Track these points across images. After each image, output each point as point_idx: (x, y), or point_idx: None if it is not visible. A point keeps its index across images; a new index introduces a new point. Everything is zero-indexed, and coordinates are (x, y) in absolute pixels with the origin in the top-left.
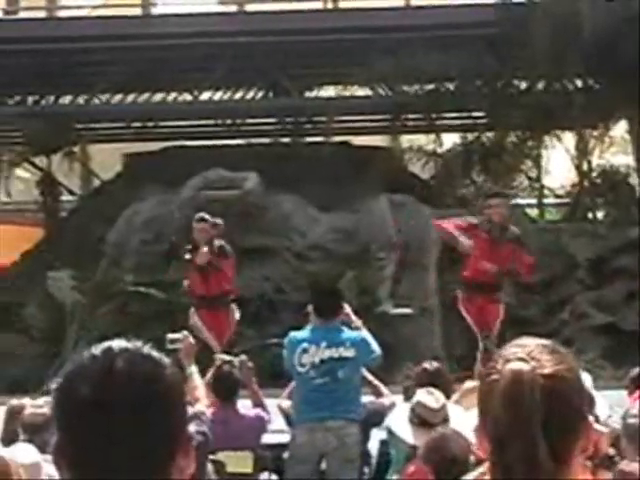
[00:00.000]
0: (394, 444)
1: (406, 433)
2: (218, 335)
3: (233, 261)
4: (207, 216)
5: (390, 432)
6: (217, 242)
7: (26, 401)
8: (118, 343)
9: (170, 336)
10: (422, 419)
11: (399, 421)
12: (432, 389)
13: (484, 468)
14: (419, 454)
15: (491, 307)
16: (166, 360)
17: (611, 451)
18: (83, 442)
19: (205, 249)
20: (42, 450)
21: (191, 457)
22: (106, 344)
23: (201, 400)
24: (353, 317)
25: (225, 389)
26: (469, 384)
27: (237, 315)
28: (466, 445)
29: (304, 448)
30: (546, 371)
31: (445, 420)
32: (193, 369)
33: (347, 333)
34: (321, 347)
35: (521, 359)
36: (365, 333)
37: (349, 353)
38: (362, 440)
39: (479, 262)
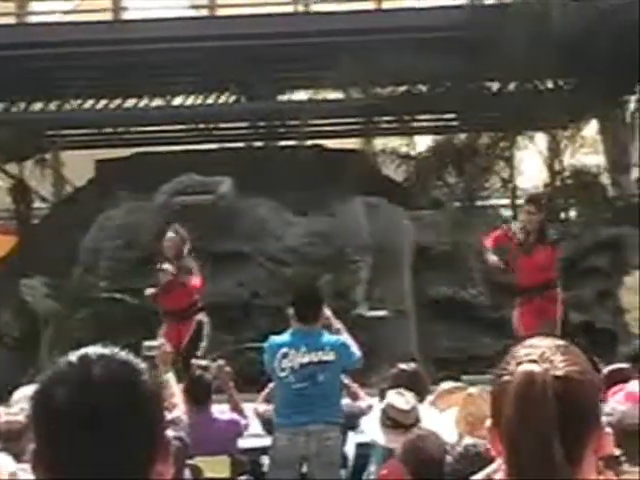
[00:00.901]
0: (371, 446)
1: (379, 435)
2: (177, 346)
3: (199, 277)
4: (179, 229)
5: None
6: (187, 258)
7: (1, 409)
8: (95, 349)
9: (146, 343)
10: (394, 421)
11: (372, 424)
12: (403, 390)
13: (494, 467)
14: (394, 455)
15: (549, 306)
16: (143, 366)
17: (616, 451)
18: (61, 449)
19: (170, 266)
20: (18, 458)
21: (169, 462)
22: (83, 350)
23: (178, 406)
24: (333, 320)
25: (198, 393)
26: (446, 385)
27: (205, 322)
28: (442, 445)
29: (285, 452)
30: (558, 372)
31: (417, 421)
32: (169, 376)
33: (327, 337)
34: (301, 351)
35: (533, 361)
36: (345, 337)
37: (329, 357)
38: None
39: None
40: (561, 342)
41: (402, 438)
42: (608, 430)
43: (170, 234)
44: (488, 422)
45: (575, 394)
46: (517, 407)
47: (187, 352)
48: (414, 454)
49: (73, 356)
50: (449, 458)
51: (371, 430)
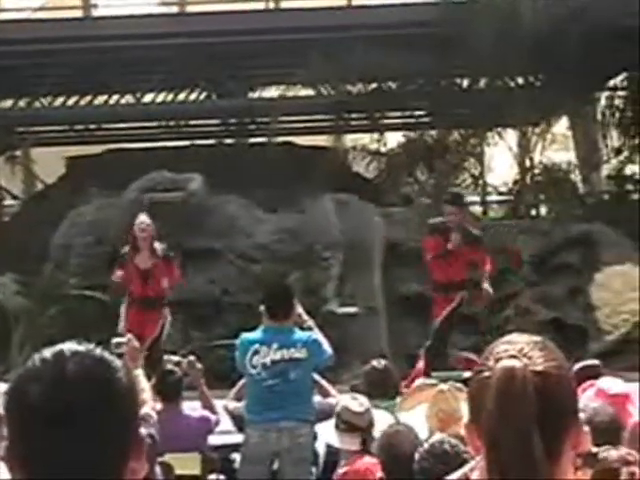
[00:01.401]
0: None
1: (334, 438)
2: (141, 336)
3: (175, 264)
4: (148, 220)
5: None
6: (159, 245)
7: None
8: (69, 346)
9: (115, 340)
10: (348, 424)
11: (328, 427)
12: (356, 394)
13: (472, 465)
14: (351, 457)
15: (448, 303)
16: (118, 362)
17: (594, 449)
18: (34, 445)
19: (148, 253)
20: None
21: (143, 459)
22: (57, 347)
23: (147, 403)
24: (305, 317)
25: (168, 389)
26: (419, 382)
27: (168, 318)
28: (415, 442)
29: (257, 449)
30: (538, 368)
31: (371, 423)
32: (138, 372)
33: (298, 334)
34: (272, 348)
35: (513, 356)
36: (317, 334)
37: (301, 354)
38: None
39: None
40: (538, 338)
41: (357, 440)
42: (586, 428)
43: (144, 219)
44: (465, 419)
45: (554, 389)
46: (498, 403)
47: (154, 347)
48: (387, 449)
49: (47, 352)
50: (417, 455)
51: (326, 433)
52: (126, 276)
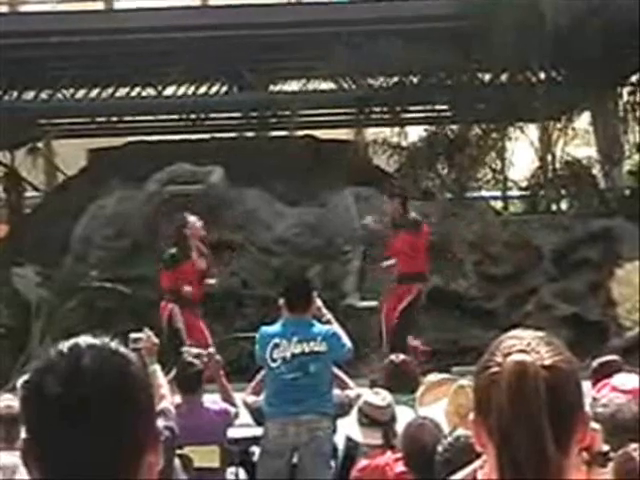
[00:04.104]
0: None
1: (356, 433)
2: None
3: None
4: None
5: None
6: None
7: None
8: (85, 339)
9: (132, 335)
10: (370, 418)
11: (350, 422)
12: (378, 389)
13: (479, 463)
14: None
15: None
16: (133, 356)
17: (605, 447)
18: (50, 438)
19: (198, 254)
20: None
21: (159, 453)
22: (73, 340)
23: (166, 397)
24: (324, 310)
25: (188, 382)
26: (432, 377)
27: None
28: (438, 436)
29: (276, 442)
30: (546, 362)
31: (393, 418)
32: (156, 367)
33: (318, 327)
34: (292, 342)
35: (522, 351)
36: (336, 327)
37: (320, 347)
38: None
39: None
40: (542, 334)
41: (379, 435)
42: (596, 426)
43: (195, 219)
44: (471, 415)
45: (563, 384)
46: (510, 398)
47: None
48: (410, 441)
49: (63, 345)
50: (440, 447)
51: (348, 428)
52: (184, 280)
